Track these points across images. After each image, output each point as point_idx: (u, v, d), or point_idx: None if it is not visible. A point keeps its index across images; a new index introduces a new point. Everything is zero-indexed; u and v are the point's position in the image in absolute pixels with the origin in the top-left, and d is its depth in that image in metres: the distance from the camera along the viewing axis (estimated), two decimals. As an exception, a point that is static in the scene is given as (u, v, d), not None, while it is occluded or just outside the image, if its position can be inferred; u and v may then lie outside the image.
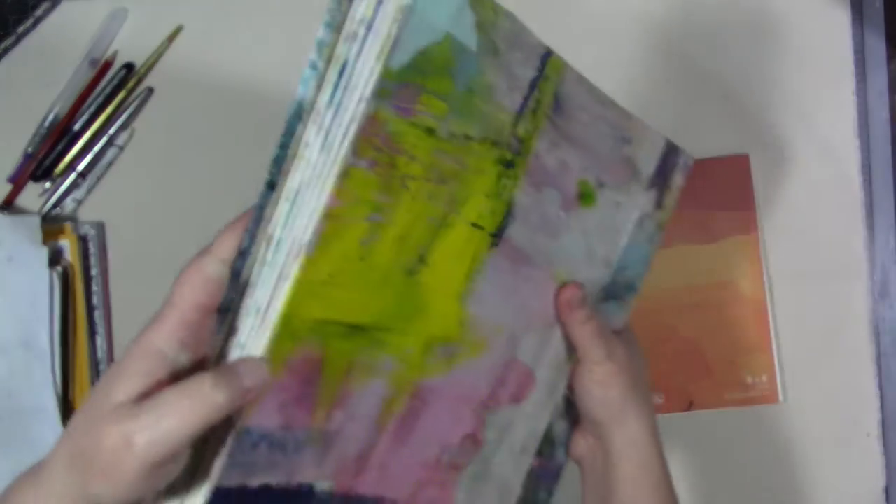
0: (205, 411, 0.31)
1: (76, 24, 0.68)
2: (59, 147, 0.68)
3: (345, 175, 0.35)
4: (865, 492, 0.65)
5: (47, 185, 0.68)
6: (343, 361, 0.37)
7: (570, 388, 0.46)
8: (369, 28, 0.35)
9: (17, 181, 0.68)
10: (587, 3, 0.67)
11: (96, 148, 0.68)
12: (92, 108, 0.68)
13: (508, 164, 0.40)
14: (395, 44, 0.34)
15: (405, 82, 0.35)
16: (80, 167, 0.68)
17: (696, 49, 0.66)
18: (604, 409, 0.45)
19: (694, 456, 0.65)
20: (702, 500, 0.66)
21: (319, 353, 0.36)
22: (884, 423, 0.65)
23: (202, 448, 0.34)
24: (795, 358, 0.65)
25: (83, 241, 0.67)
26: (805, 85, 0.65)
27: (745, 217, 0.65)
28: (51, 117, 0.68)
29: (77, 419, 0.33)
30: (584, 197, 0.45)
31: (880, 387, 0.65)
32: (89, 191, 0.68)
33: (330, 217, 0.34)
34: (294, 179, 0.36)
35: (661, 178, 0.48)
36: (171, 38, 0.68)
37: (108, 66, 0.68)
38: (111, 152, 0.68)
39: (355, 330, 0.37)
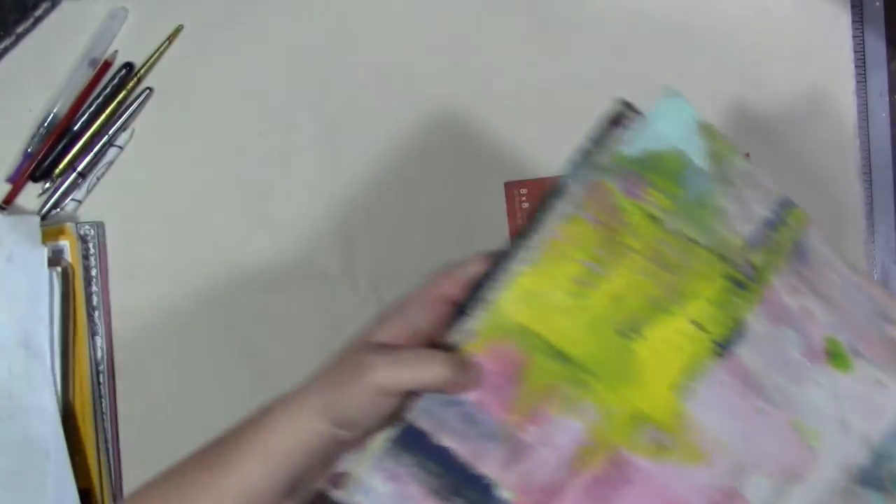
0: (428, 378, 0.41)
1: (76, 24, 0.68)
2: (59, 147, 0.68)
3: (570, 219, 0.42)
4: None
5: (47, 185, 0.68)
6: (545, 380, 0.42)
7: None
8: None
9: (17, 181, 0.68)
10: (587, 2, 0.67)
11: (96, 148, 0.68)
12: (92, 108, 0.68)
13: (739, 284, 0.43)
14: (628, 138, 0.42)
15: (634, 170, 0.42)
16: (80, 167, 0.68)
17: (695, 49, 0.66)
18: None
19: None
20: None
21: (523, 358, 0.42)
22: (884, 423, 0.65)
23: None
24: (795, 358, 0.65)
25: (83, 241, 0.67)
26: (805, 85, 0.65)
27: (746, 217, 0.65)
28: (50, 117, 0.68)
29: (337, 354, 0.44)
30: (836, 357, 0.44)
31: (880, 387, 0.65)
32: (89, 191, 0.68)
33: (552, 245, 0.42)
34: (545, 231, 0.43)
35: None
36: (171, 38, 0.68)
37: (107, 66, 0.68)
38: (111, 152, 0.68)
39: (559, 356, 0.42)
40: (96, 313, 0.67)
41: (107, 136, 0.68)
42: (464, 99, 0.67)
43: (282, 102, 0.68)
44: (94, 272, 0.67)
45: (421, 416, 0.42)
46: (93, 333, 0.67)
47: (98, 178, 0.68)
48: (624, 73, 0.66)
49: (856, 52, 0.65)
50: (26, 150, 0.68)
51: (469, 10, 0.67)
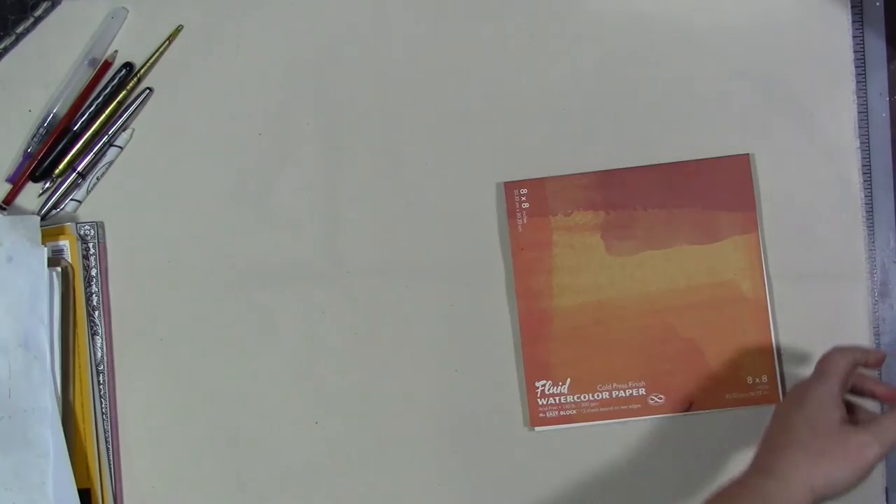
0: None
1: (76, 24, 0.68)
2: (59, 147, 0.68)
3: None
4: (865, 492, 0.65)
5: (47, 185, 0.68)
6: None
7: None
8: None
9: (17, 181, 0.68)
10: (587, 3, 0.67)
11: (96, 148, 0.68)
12: (92, 109, 0.68)
13: None
14: None
15: None
16: (80, 167, 0.68)
17: (695, 49, 0.66)
18: None
19: (694, 456, 0.65)
20: (702, 500, 0.65)
21: None
22: (884, 424, 0.65)
23: None
24: (795, 358, 0.65)
25: (83, 241, 0.67)
26: (805, 85, 0.65)
27: (745, 217, 0.65)
28: (50, 117, 0.68)
29: (800, 435, 0.51)
30: None
31: (880, 387, 0.65)
32: (89, 191, 0.68)
33: None
34: None
35: None
36: (171, 38, 0.68)
37: (107, 66, 0.68)
38: (111, 152, 0.68)
39: None
40: (96, 313, 0.67)
41: (107, 136, 0.68)
42: (463, 99, 0.67)
43: (281, 102, 0.68)
44: (94, 272, 0.67)
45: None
46: (93, 333, 0.67)
47: (98, 178, 0.68)
48: (624, 73, 0.66)
49: (856, 52, 0.65)
50: (26, 150, 0.68)
51: (469, 10, 0.67)
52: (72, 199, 0.68)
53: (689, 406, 0.65)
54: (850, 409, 0.54)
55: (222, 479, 0.68)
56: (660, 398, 0.65)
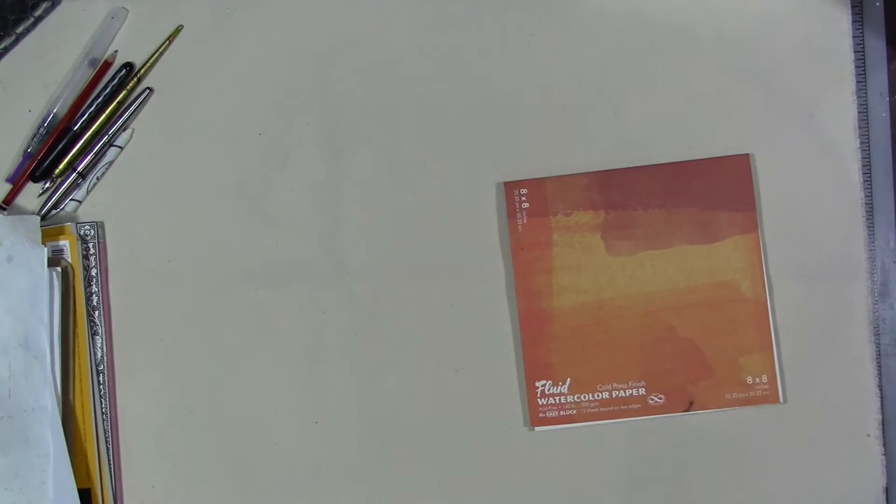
0: None
1: (76, 24, 0.68)
2: (59, 147, 0.68)
3: None
4: (865, 492, 0.65)
5: (47, 185, 0.68)
6: None
7: None
8: None
9: (17, 181, 0.68)
10: (587, 3, 0.67)
11: (96, 148, 0.68)
12: (92, 109, 0.68)
13: None
14: None
15: None
16: (80, 167, 0.68)
17: (695, 49, 0.66)
18: None
19: (694, 456, 0.65)
20: (702, 500, 0.66)
21: None
22: (884, 424, 0.65)
23: None
24: (795, 358, 0.65)
25: (83, 241, 0.67)
26: (805, 85, 0.65)
27: (745, 217, 0.65)
28: (50, 117, 0.68)
29: None
30: None
31: (880, 387, 0.65)
32: (89, 191, 0.68)
33: None
34: None
35: None
36: (171, 38, 0.68)
37: (107, 66, 0.68)
38: (111, 152, 0.68)
39: None
40: (96, 313, 0.67)
41: (107, 136, 0.68)
42: (463, 99, 0.67)
43: (281, 102, 0.68)
44: (94, 272, 0.67)
45: None
46: (93, 333, 0.67)
47: (98, 178, 0.68)
48: (624, 73, 0.66)
49: (856, 52, 0.65)
50: (26, 150, 0.68)
51: (469, 10, 0.67)
52: (72, 199, 0.68)
53: (689, 406, 0.65)
54: None
55: (222, 479, 0.68)
56: (660, 398, 0.65)
